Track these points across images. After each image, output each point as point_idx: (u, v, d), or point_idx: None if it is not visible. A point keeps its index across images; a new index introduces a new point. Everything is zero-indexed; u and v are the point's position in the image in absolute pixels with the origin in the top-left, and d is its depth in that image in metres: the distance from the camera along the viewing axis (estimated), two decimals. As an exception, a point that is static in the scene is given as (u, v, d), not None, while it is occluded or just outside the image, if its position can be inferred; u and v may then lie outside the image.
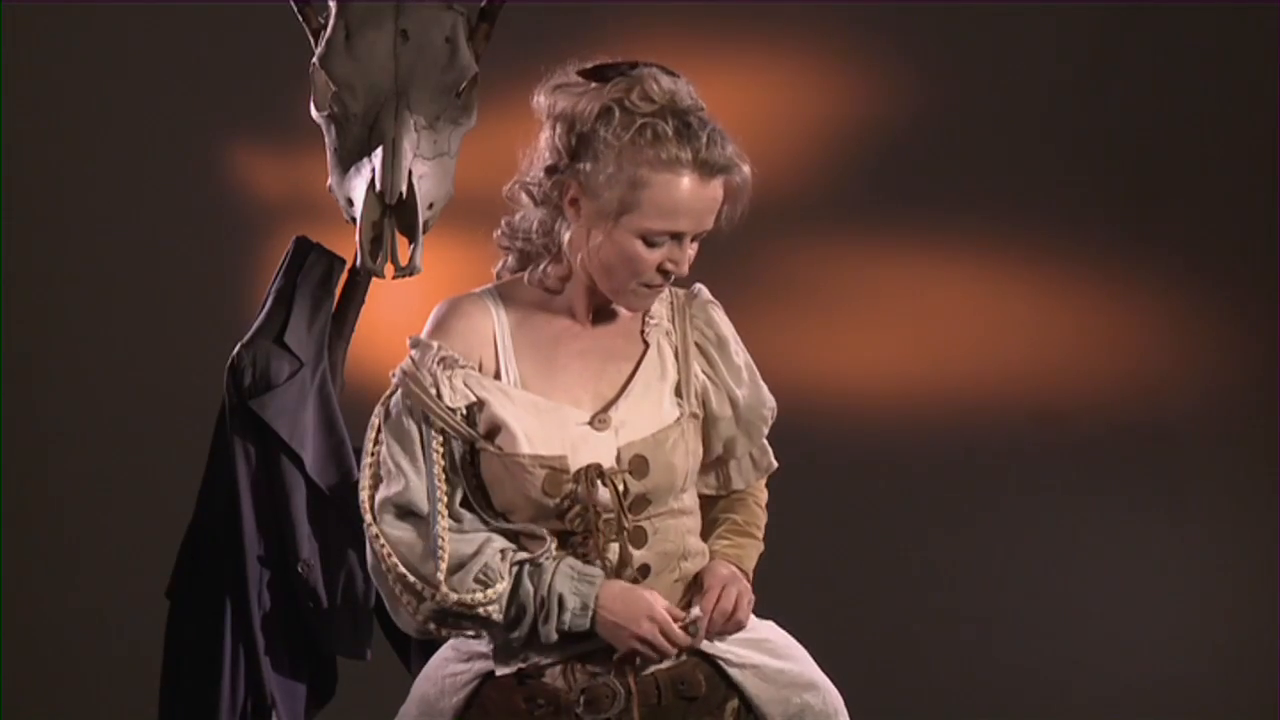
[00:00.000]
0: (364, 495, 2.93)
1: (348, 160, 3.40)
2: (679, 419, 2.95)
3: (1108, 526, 5.09)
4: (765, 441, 3.07)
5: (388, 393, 2.95)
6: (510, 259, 3.03)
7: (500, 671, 2.93)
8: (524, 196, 2.96)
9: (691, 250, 2.91)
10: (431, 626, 2.89)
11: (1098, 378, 5.10)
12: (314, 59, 3.42)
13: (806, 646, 3.06)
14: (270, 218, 4.96)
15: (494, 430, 2.91)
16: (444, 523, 2.88)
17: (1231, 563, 5.11)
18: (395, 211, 3.33)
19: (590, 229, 2.89)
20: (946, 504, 5.11)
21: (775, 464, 3.08)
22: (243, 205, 5.06)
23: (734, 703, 2.98)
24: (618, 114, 2.86)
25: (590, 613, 2.87)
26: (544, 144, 2.93)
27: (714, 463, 3.05)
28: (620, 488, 2.89)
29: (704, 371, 3.01)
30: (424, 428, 2.91)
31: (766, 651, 3.00)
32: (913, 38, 5.06)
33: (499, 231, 3.03)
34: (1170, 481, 5.11)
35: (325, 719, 3.53)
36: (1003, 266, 5.07)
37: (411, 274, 3.38)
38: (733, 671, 2.97)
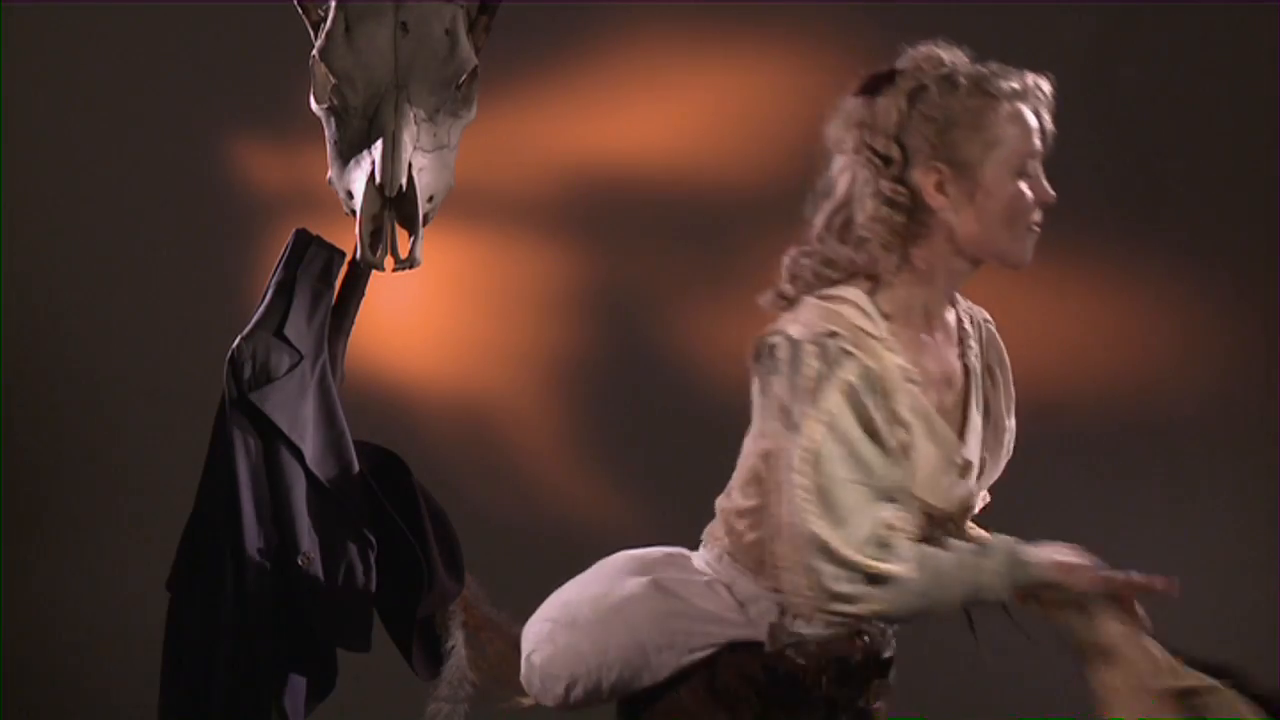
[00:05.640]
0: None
1: (348, 153, 3.40)
2: (998, 454, 3.06)
3: (1109, 520, 5.09)
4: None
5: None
6: (801, 288, 3.02)
7: (770, 647, 2.98)
8: (863, 222, 2.96)
9: None
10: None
11: (1100, 372, 5.10)
12: (314, 52, 3.42)
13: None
14: (270, 211, 4.97)
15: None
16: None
17: (1233, 558, 5.11)
18: (395, 204, 3.33)
19: (968, 200, 2.94)
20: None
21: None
22: (243, 198, 5.07)
23: None
24: (934, 87, 2.97)
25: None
26: (860, 173, 2.97)
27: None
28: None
29: (988, 395, 3.07)
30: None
31: None
32: (913, 35, 5.06)
33: (800, 276, 3.01)
34: (1172, 475, 5.12)
35: (325, 711, 3.53)
36: (1002, 260, 5.07)
37: (411, 266, 3.38)
38: None
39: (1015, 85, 2.99)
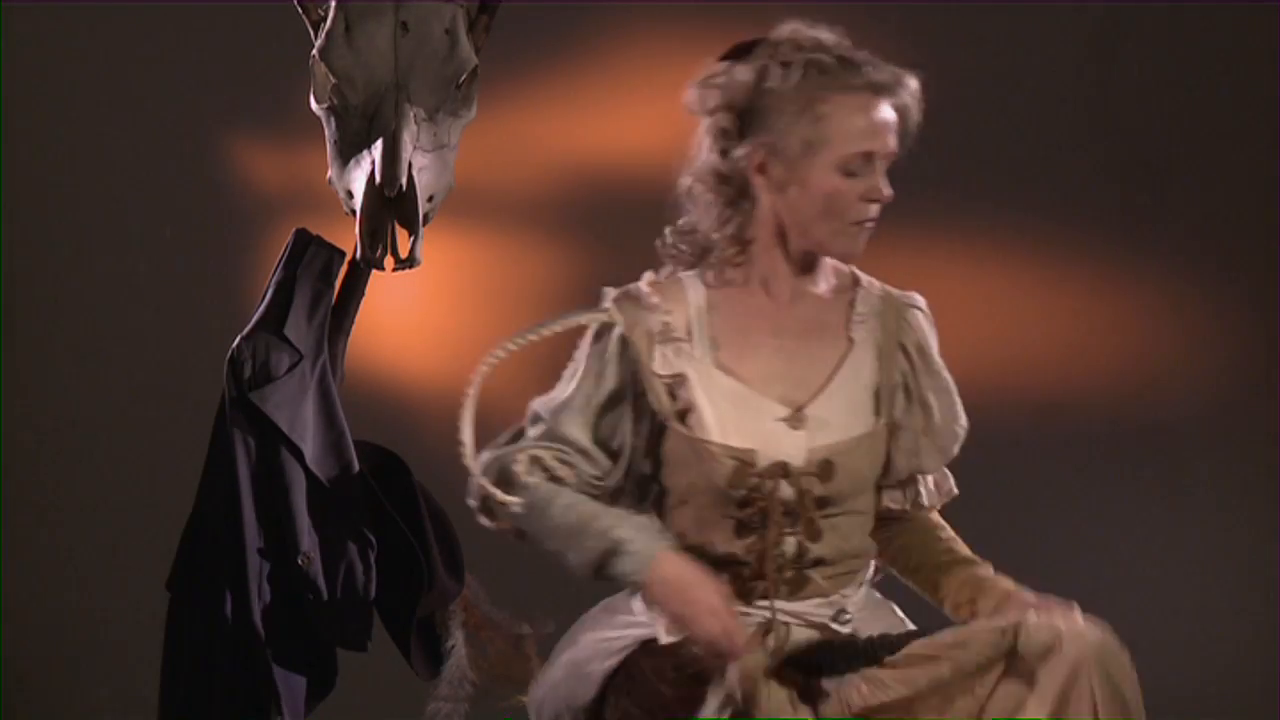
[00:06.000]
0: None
1: (348, 152, 3.40)
2: (874, 428, 2.96)
3: (1107, 519, 5.09)
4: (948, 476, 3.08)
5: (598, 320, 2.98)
6: (677, 265, 3.04)
7: (664, 640, 2.94)
8: (699, 192, 2.97)
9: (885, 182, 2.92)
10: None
11: (1098, 370, 5.10)
12: (314, 51, 3.42)
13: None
14: (270, 210, 4.97)
15: (687, 410, 2.93)
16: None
17: (1232, 555, 5.11)
18: (395, 204, 3.33)
19: (785, 188, 2.90)
20: (946, 497, 5.11)
21: (955, 491, 3.09)
22: (243, 198, 5.07)
23: None
24: (777, 68, 2.91)
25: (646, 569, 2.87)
26: (708, 137, 2.97)
27: (906, 480, 3.04)
28: (804, 489, 2.90)
29: (903, 376, 3.00)
30: (623, 374, 2.96)
31: None
32: (914, 31, 5.06)
33: (665, 241, 3.03)
34: (1172, 475, 5.11)
35: (325, 711, 3.53)
36: (1003, 259, 5.06)
37: (411, 266, 3.38)
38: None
39: (868, 79, 2.92)
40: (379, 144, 3.32)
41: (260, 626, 3.36)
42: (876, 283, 3.06)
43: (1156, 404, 5.09)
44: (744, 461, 2.90)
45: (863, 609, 3.02)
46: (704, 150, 2.97)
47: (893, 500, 3.07)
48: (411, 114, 3.35)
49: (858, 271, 3.06)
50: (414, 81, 3.38)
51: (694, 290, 2.99)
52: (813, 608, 2.97)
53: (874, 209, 2.93)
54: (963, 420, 3.04)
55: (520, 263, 4.94)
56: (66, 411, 5.16)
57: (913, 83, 2.96)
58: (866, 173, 2.91)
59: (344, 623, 3.40)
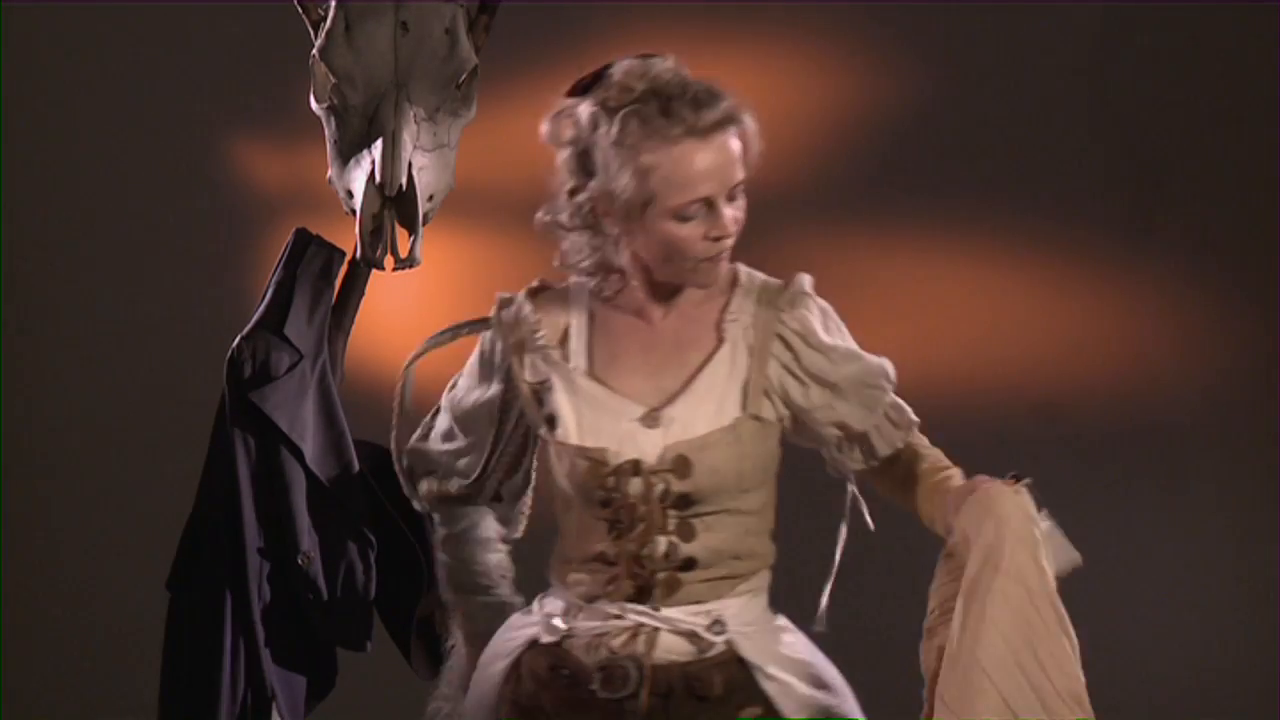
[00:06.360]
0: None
1: (348, 152, 3.40)
2: (735, 422, 2.94)
3: (1107, 520, 5.09)
4: (897, 400, 3.02)
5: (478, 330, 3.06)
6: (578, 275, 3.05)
7: (544, 639, 2.98)
8: (558, 227, 2.98)
9: (735, 208, 2.89)
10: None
11: (1098, 371, 5.10)
12: (314, 51, 3.42)
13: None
14: (270, 210, 4.96)
15: (552, 417, 2.95)
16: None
17: (1232, 557, 5.10)
18: (395, 203, 3.33)
19: (628, 233, 2.89)
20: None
21: (917, 419, 3.05)
22: (243, 197, 5.07)
23: (756, 710, 2.95)
24: (603, 116, 2.87)
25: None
26: (561, 171, 2.96)
27: (847, 441, 3.01)
28: (661, 486, 2.90)
29: (786, 366, 2.98)
30: (501, 378, 3.03)
31: (807, 678, 2.98)
32: (915, 31, 5.06)
33: (557, 262, 3.04)
34: (1171, 475, 5.11)
35: (325, 711, 3.53)
36: (1003, 260, 5.06)
37: (411, 266, 3.38)
38: (766, 684, 2.95)
39: (688, 126, 2.83)
40: (379, 144, 3.32)
41: (260, 626, 3.36)
42: (758, 276, 3.02)
43: (1156, 404, 5.09)
44: (596, 461, 2.90)
45: (747, 624, 2.98)
46: (560, 186, 2.97)
47: (854, 461, 3.05)
48: (411, 113, 3.35)
49: (739, 268, 3.03)
50: (414, 81, 3.38)
51: (579, 302, 3.01)
52: (686, 614, 2.95)
53: (722, 244, 2.90)
54: (883, 369, 3.01)
55: (520, 263, 4.93)
56: (66, 411, 5.15)
57: (746, 118, 2.90)
58: (706, 214, 2.87)
59: (344, 623, 3.40)
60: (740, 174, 2.88)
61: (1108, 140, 5.08)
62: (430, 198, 3.39)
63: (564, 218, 2.95)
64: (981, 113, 5.06)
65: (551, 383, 2.96)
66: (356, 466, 3.41)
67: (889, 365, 3.01)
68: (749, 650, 2.95)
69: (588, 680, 2.93)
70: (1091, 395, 5.09)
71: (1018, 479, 2.96)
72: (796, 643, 3.02)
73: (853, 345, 3.01)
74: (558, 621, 2.97)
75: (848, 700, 3.01)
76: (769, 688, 2.95)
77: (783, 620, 3.05)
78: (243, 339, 3.38)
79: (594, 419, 2.93)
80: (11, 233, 5.12)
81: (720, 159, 2.85)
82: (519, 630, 3.04)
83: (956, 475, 3.03)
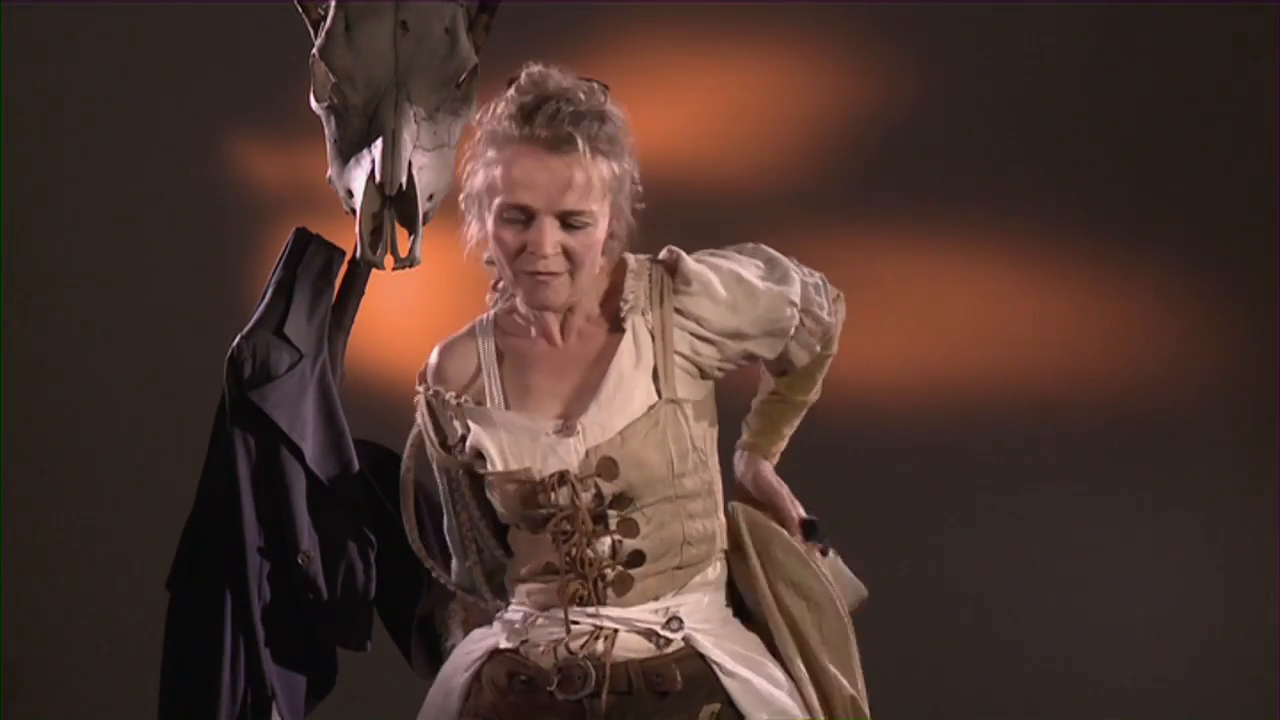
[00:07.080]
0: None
1: (348, 152, 3.40)
2: (652, 408, 2.96)
3: (1107, 518, 5.09)
4: (814, 310, 3.05)
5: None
6: (497, 293, 3.12)
7: (502, 645, 3.02)
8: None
9: (574, 238, 2.91)
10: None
11: (1098, 370, 5.10)
12: (314, 50, 3.42)
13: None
14: (270, 209, 4.97)
15: (479, 455, 3.00)
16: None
17: (1232, 555, 5.11)
18: (395, 203, 3.33)
19: (486, 235, 2.98)
20: (945, 496, 5.12)
21: (830, 319, 3.08)
22: (243, 197, 5.07)
23: (715, 707, 2.97)
24: (489, 108, 2.98)
25: None
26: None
27: (769, 364, 3.11)
28: (592, 490, 2.92)
29: (693, 334, 3.00)
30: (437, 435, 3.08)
31: (764, 675, 3.00)
32: (912, 31, 5.06)
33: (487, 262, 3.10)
34: (1170, 473, 5.12)
35: (325, 711, 3.53)
36: (1003, 259, 5.07)
37: (411, 265, 3.38)
38: (726, 680, 2.97)
39: (531, 133, 2.90)
40: (379, 143, 3.32)
41: (260, 626, 3.36)
42: (643, 259, 3.05)
43: (1156, 404, 5.09)
44: (522, 481, 2.95)
45: (704, 621, 3.01)
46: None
47: (772, 371, 3.15)
48: (411, 113, 3.35)
49: (627, 256, 3.05)
50: (414, 80, 3.38)
51: (485, 340, 3.06)
52: (643, 613, 2.98)
53: (540, 263, 2.92)
54: (788, 295, 3.02)
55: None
56: (66, 411, 5.16)
57: (616, 162, 2.94)
58: (525, 225, 2.92)
59: (344, 622, 3.40)
60: (576, 203, 2.90)
61: (1106, 140, 5.08)
62: (430, 197, 3.39)
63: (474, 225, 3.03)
64: (981, 113, 5.07)
65: (471, 427, 3.01)
66: (356, 466, 3.41)
67: (792, 290, 3.03)
68: (707, 646, 2.97)
69: (546, 683, 2.96)
70: (1091, 395, 5.10)
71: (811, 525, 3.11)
72: (752, 640, 3.04)
73: (744, 273, 3.02)
74: (517, 628, 3.01)
75: (797, 698, 3.03)
76: (729, 684, 2.97)
77: (737, 623, 3.08)
78: (243, 338, 3.38)
79: (514, 443, 2.97)
80: (11, 233, 5.12)
81: (549, 176, 2.90)
82: (479, 643, 3.08)
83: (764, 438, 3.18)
